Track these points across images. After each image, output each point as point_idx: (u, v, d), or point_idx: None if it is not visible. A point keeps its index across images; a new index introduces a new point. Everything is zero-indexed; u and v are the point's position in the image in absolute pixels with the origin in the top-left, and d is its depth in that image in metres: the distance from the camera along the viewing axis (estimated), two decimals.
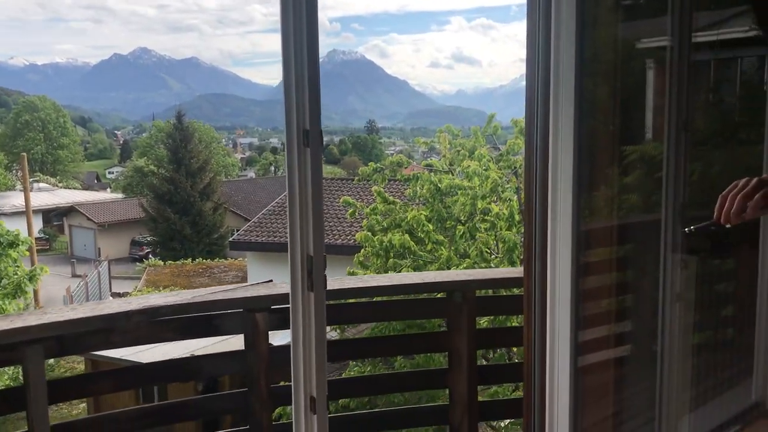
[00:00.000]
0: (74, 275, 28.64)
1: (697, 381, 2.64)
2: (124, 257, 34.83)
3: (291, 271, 1.95)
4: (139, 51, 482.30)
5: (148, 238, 34.50)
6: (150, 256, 31.15)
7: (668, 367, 2.43)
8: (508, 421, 6.72)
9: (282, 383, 2.78)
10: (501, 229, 8.35)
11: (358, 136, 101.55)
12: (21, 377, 2.38)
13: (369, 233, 8.69)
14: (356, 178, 11.57)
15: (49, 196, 42.78)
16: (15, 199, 35.80)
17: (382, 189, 9.36)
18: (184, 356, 3.22)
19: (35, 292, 16.10)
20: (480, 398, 3.14)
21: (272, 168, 70.31)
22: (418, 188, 9.11)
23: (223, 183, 38.82)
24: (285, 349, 2.19)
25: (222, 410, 3.51)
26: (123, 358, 6.81)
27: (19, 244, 11.20)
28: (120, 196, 47.62)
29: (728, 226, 1.53)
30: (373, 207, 9.18)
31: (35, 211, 29.81)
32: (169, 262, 26.50)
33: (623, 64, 2.60)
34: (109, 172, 77.74)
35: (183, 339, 2.88)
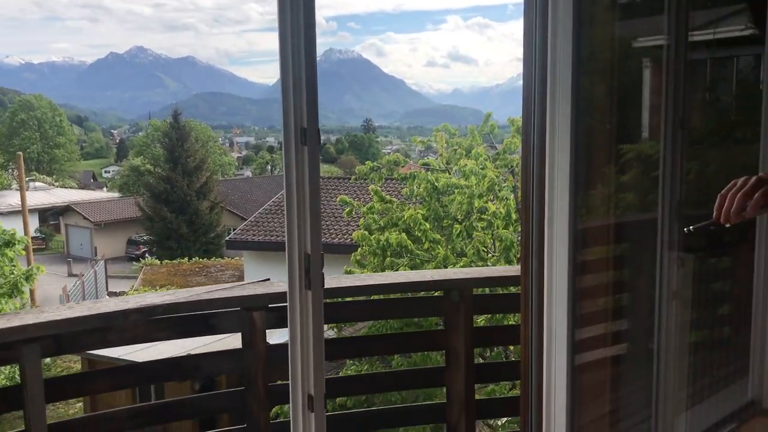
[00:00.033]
0: (70, 274, 28.61)
1: (694, 379, 2.65)
2: (121, 256, 34.79)
3: (288, 269, 1.95)
4: (135, 50, 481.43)
5: (145, 238, 34.45)
6: (146, 255, 31.09)
7: (665, 365, 2.44)
8: (505, 419, 6.73)
9: (279, 382, 2.78)
10: (498, 228, 8.36)
11: (355, 135, 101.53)
12: (17, 376, 2.38)
13: (366, 232, 8.70)
14: (353, 177, 11.58)
15: (45, 195, 42.69)
16: (11, 199, 35.74)
17: (379, 188, 9.36)
18: (181, 355, 3.21)
19: (32, 292, 16.06)
20: (477, 396, 3.15)
21: (269, 167, 70.28)
22: (415, 187, 9.13)
23: (219, 182, 38.80)
24: (282, 347, 2.19)
25: (219, 409, 3.51)
26: (119, 357, 6.82)
27: (15, 244, 11.18)
28: (116, 195, 47.56)
29: (728, 225, 1.51)
30: (370, 206, 9.18)
31: (31, 211, 29.73)
32: (166, 261, 26.47)
33: (620, 62, 2.60)
34: (106, 171, 77.55)
35: (180, 338, 2.87)
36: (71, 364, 14.96)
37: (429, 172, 9.43)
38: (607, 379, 2.60)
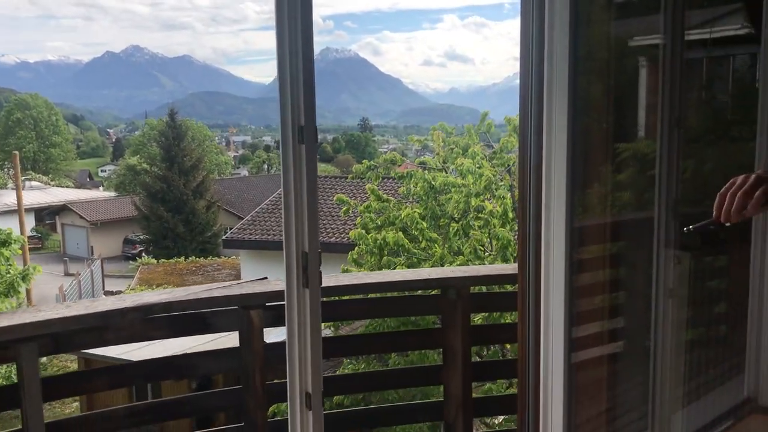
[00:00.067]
0: (67, 274, 28.54)
1: (690, 377, 2.66)
2: (117, 256, 34.72)
3: (286, 267, 1.96)
4: (131, 49, 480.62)
5: (141, 237, 34.40)
6: (143, 254, 31.05)
7: (661, 362, 2.45)
8: (502, 417, 6.74)
9: (276, 381, 2.78)
10: (494, 227, 8.37)
11: (352, 134, 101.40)
12: (14, 376, 2.38)
13: (363, 231, 8.70)
14: (350, 176, 11.59)
15: (41, 194, 42.57)
16: (7, 198, 35.64)
17: (375, 187, 9.36)
18: (178, 353, 3.21)
19: (28, 292, 16.03)
20: (474, 395, 3.15)
21: (265, 166, 70.15)
22: (411, 186, 9.13)
23: (216, 181, 38.76)
24: (279, 346, 2.19)
25: (216, 408, 3.52)
26: (116, 356, 6.81)
27: (11, 243, 11.15)
28: (113, 194, 47.43)
29: (728, 224, 1.48)
30: (367, 205, 9.18)
31: (27, 210, 29.66)
32: (162, 260, 26.42)
33: (617, 61, 2.61)
34: (102, 171, 77.40)
35: (177, 336, 2.87)
36: (67, 363, 14.94)
37: (426, 171, 9.43)
38: (604, 377, 2.61)
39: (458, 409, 3.03)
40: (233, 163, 73.54)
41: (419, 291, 3.61)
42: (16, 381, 2.39)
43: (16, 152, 30.54)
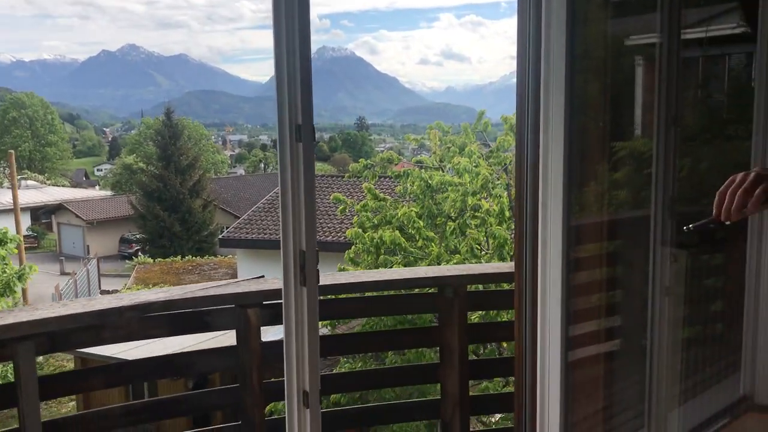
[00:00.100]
0: (63, 273, 28.48)
1: (687, 375, 2.66)
2: (113, 255, 34.65)
3: (283, 265, 1.96)
4: (127, 47, 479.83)
5: (138, 236, 34.34)
6: (139, 253, 31.00)
7: (657, 361, 2.45)
8: (499, 415, 6.75)
9: (273, 379, 2.78)
10: (491, 225, 8.37)
11: (348, 133, 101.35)
12: (11, 375, 2.38)
13: (359, 230, 8.69)
14: (346, 174, 11.58)
15: (37, 193, 42.46)
16: (3, 197, 35.54)
17: (372, 186, 9.36)
18: (175, 352, 3.21)
19: (24, 291, 15.99)
20: (471, 393, 3.16)
21: (262, 165, 70.08)
22: (408, 185, 9.12)
23: (212, 180, 38.66)
24: (276, 344, 2.19)
25: (214, 406, 3.52)
26: (112, 356, 6.80)
27: (7, 242, 11.13)
28: (109, 193, 47.33)
29: (728, 223, 1.47)
30: (364, 204, 9.18)
31: (23, 209, 29.58)
32: (159, 259, 26.38)
33: (613, 60, 2.61)
34: (98, 170, 77.26)
35: (174, 335, 2.87)
36: (64, 362, 14.91)
37: (422, 170, 9.43)
38: (601, 375, 2.61)
39: (455, 408, 3.04)
40: (230, 162, 73.41)
41: (416, 289, 3.61)
42: (12, 380, 2.38)
43: (12, 151, 30.46)
